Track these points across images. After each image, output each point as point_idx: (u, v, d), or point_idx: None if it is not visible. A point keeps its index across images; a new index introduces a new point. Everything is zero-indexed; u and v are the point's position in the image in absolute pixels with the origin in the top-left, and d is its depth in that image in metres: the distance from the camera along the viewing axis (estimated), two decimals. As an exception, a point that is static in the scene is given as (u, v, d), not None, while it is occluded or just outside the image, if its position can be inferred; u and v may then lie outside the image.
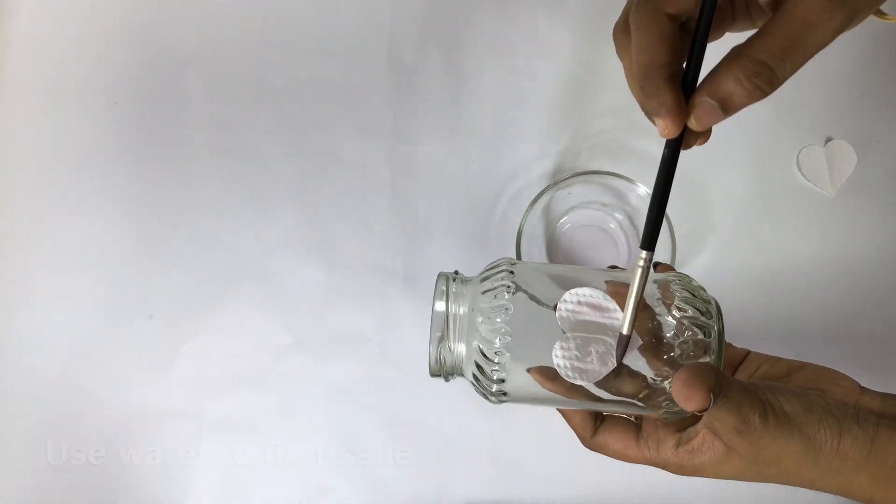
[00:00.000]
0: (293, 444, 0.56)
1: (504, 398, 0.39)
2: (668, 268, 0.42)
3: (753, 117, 0.57)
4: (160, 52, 0.60)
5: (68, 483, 0.55)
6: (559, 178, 0.54)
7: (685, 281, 0.39)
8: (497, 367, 0.37)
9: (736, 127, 0.57)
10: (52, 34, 0.60)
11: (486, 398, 0.39)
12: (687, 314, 0.37)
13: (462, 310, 0.38)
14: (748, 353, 0.42)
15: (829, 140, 0.57)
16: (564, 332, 0.37)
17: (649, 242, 0.36)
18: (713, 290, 0.40)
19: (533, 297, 0.38)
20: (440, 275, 0.40)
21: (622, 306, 0.37)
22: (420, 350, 0.56)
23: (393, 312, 0.57)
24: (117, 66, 0.60)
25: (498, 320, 0.37)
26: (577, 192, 0.56)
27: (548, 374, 0.37)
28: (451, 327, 0.38)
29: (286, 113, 0.59)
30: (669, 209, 0.52)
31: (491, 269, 0.40)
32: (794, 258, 0.57)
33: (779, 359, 0.40)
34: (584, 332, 0.37)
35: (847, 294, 0.56)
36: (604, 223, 0.58)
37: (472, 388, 0.40)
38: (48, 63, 0.60)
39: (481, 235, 0.57)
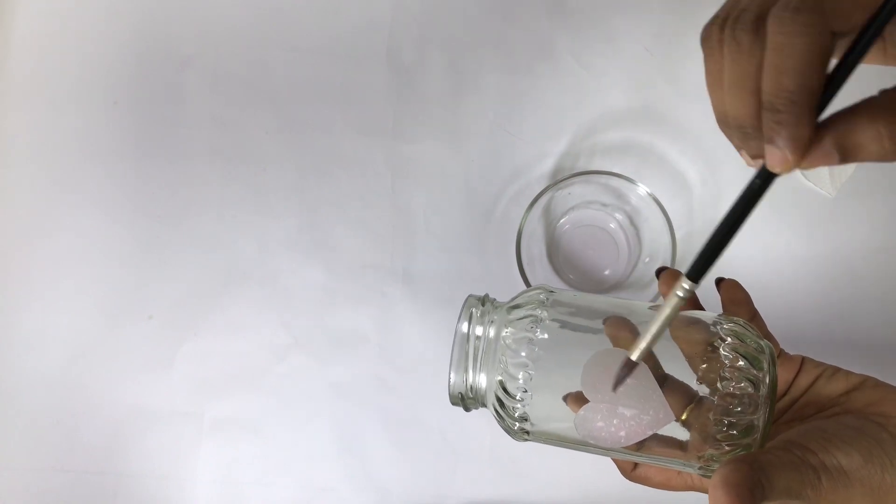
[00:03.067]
0: (293, 443, 0.56)
1: (527, 436, 0.36)
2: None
3: (753, 117, 0.57)
4: (160, 52, 0.60)
5: (68, 483, 0.55)
6: (559, 178, 0.54)
7: (732, 329, 0.34)
8: (519, 403, 0.34)
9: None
10: (52, 34, 0.60)
11: (510, 434, 0.36)
12: (734, 375, 0.32)
13: (490, 334, 0.36)
14: (803, 361, 0.38)
15: None
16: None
17: (697, 274, 0.31)
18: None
19: (566, 326, 0.35)
20: (469, 297, 0.37)
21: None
22: (420, 350, 0.56)
23: (393, 312, 0.57)
24: (117, 66, 0.60)
25: (523, 354, 0.34)
26: (577, 192, 0.56)
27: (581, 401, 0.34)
28: (474, 354, 0.36)
29: (286, 113, 0.59)
30: (669, 210, 0.52)
31: (523, 295, 0.37)
32: (794, 258, 0.57)
33: (836, 371, 0.37)
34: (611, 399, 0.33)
35: (847, 294, 0.56)
36: (604, 223, 0.58)
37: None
38: (48, 63, 0.60)
39: (481, 235, 0.57)
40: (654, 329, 0.31)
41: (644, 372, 0.33)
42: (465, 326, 0.36)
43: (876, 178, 0.57)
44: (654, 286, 0.52)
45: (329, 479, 0.55)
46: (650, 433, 0.33)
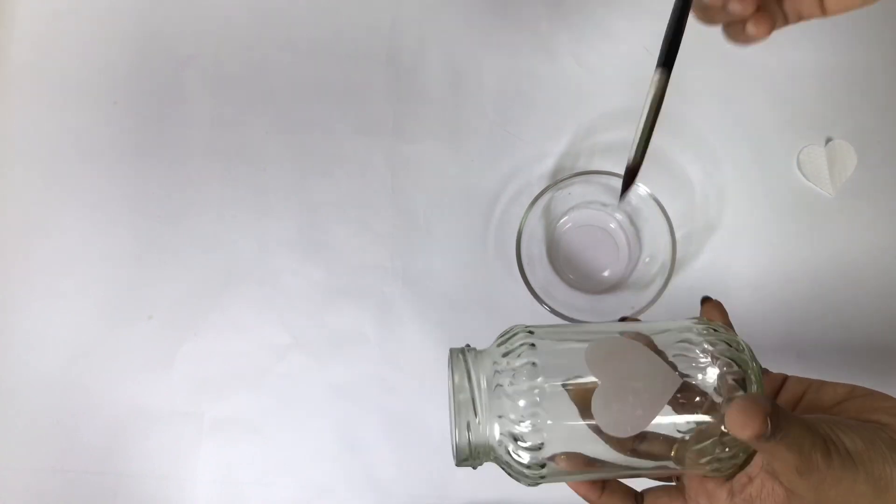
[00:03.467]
0: (293, 444, 0.56)
1: (541, 480, 0.35)
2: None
3: (753, 117, 0.58)
4: (160, 52, 0.60)
5: (68, 483, 0.55)
6: (559, 178, 0.54)
7: (707, 324, 0.36)
8: (531, 438, 0.33)
9: (736, 127, 0.57)
10: (52, 34, 0.60)
11: (522, 480, 0.35)
12: (720, 352, 0.33)
13: (483, 384, 0.34)
14: (786, 378, 0.38)
15: (829, 140, 0.57)
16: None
17: (666, 58, 0.32)
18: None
19: (559, 358, 0.34)
20: (451, 351, 0.36)
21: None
22: (420, 350, 0.56)
23: (393, 312, 0.57)
24: (117, 66, 0.60)
25: (522, 402, 0.33)
26: (577, 192, 0.56)
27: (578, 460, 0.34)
28: (471, 407, 0.34)
29: (286, 113, 0.59)
30: (669, 210, 0.52)
31: (506, 335, 0.36)
32: (794, 258, 0.57)
33: (822, 384, 0.37)
34: (617, 379, 0.33)
35: (847, 294, 0.56)
36: (604, 223, 0.57)
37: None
38: (48, 63, 0.60)
39: (481, 235, 0.57)
40: (641, 123, 0.32)
41: (640, 347, 0.33)
42: (458, 378, 0.35)
43: (876, 179, 0.57)
44: (654, 286, 0.52)
45: (329, 479, 0.55)
46: (665, 402, 0.33)
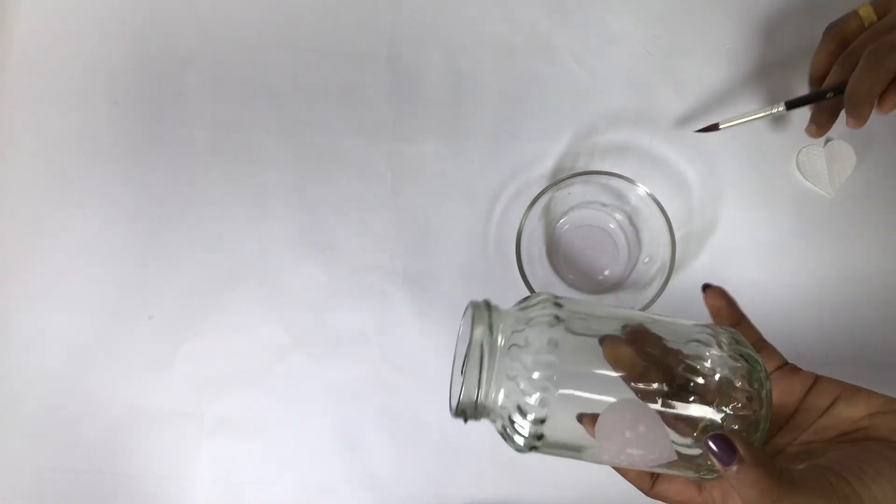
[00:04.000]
0: (293, 443, 0.56)
1: (534, 450, 0.35)
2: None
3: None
4: (160, 52, 0.60)
5: (68, 483, 0.55)
6: (559, 178, 0.54)
7: (732, 335, 0.35)
8: (530, 420, 0.33)
9: (736, 127, 0.57)
10: (52, 34, 0.60)
11: (514, 446, 0.35)
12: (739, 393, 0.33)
13: (501, 343, 0.34)
14: (817, 379, 0.36)
15: (828, 140, 0.57)
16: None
17: (795, 104, 0.51)
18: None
19: (581, 335, 0.33)
20: (474, 303, 0.35)
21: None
22: (420, 350, 0.56)
23: (393, 312, 0.57)
24: (117, 66, 0.60)
25: (538, 372, 0.32)
26: (577, 192, 0.56)
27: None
28: (485, 364, 0.33)
29: (286, 113, 0.59)
30: (669, 210, 0.52)
31: (531, 301, 0.36)
32: (793, 258, 0.57)
33: (856, 392, 0.35)
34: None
35: (846, 294, 0.56)
36: (604, 223, 0.58)
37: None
38: (48, 63, 0.60)
39: (481, 235, 0.57)
40: (746, 119, 0.52)
41: (655, 420, 0.33)
42: (478, 332, 0.34)
43: (876, 179, 0.57)
44: (654, 286, 0.52)
45: (329, 478, 0.55)
46: (650, 468, 0.34)
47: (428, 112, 0.59)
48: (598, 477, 0.54)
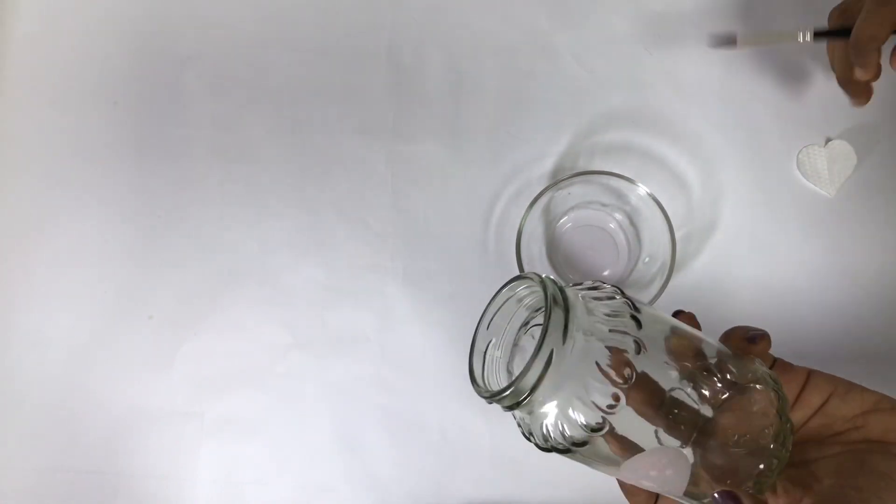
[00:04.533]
0: (293, 443, 0.56)
1: (557, 453, 0.32)
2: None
3: (753, 117, 0.58)
4: (160, 52, 0.60)
5: (68, 483, 0.55)
6: (559, 178, 0.54)
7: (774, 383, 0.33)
8: (584, 432, 0.30)
9: (736, 127, 0.57)
10: (52, 34, 0.60)
11: (535, 441, 0.33)
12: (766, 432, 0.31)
13: (578, 342, 0.29)
14: (809, 374, 0.36)
15: (829, 140, 0.57)
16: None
17: (823, 34, 0.50)
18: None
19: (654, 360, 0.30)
20: (546, 288, 0.31)
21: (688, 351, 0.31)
22: (420, 350, 0.56)
23: (393, 312, 0.57)
24: (117, 66, 0.60)
25: (613, 388, 0.29)
26: (577, 192, 0.56)
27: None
28: (550, 371, 0.29)
29: (286, 113, 0.59)
30: (669, 210, 0.52)
31: (602, 293, 0.32)
32: (793, 258, 0.57)
33: (849, 388, 0.35)
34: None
35: (846, 294, 0.56)
36: (604, 223, 0.58)
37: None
38: (48, 63, 0.60)
39: (481, 235, 0.57)
40: (769, 38, 0.53)
41: (685, 469, 0.31)
42: (553, 336, 0.29)
43: (876, 179, 0.57)
44: (654, 286, 0.52)
45: (329, 478, 0.55)
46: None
47: (428, 112, 0.59)
48: (598, 477, 0.54)
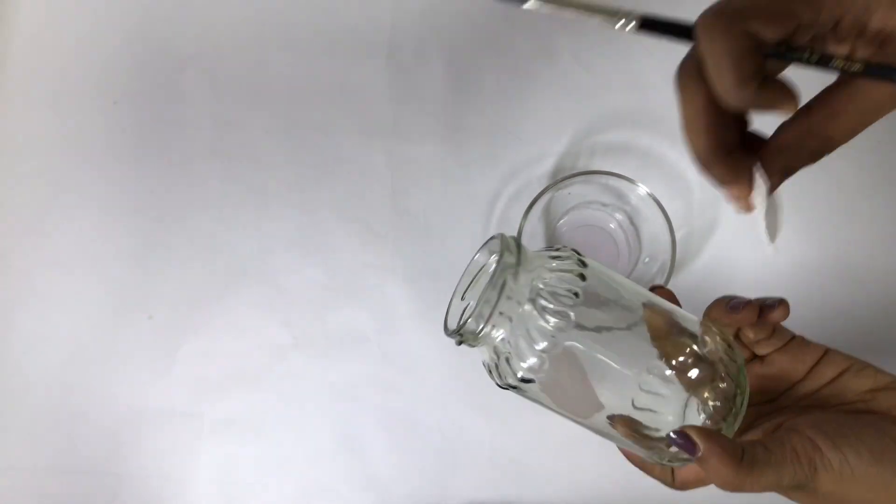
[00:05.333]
0: (293, 444, 0.56)
1: (513, 390, 0.36)
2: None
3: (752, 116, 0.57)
4: (160, 52, 0.60)
5: (68, 483, 0.55)
6: (559, 178, 0.54)
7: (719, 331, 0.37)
8: (537, 356, 0.34)
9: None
10: (52, 34, 0.60)
11: (495, 379, 0.36)
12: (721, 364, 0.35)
13: (520, 282, 0.34)
14: (827, 351, 0.37)
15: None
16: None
17: (652, 26, 0.32)
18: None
19: (599, 307, 0.35)
20: (501, 235, 0.36)
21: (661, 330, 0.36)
22: (420, 350, 0.56)
23: (393, 312, 0.57)
24: (117, 66, 0.60)
25: (552, 323, 0.33)
26: (577, 192, 0.56)
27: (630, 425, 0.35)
28: (502, 296, 0.33)
29: (286, 113, 0.59)
30: (669, 210, 0.52)
31: (555, 251, 0.36)
32: (794, 259, 0.57)
33: (865, 367, 0.36)
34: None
35: (847, 294, 0.56)
36: (604, 223, 0.58)
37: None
38: (48, 63, 0.60)
39: (481, 235, 0.57)
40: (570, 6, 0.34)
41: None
42: (504, 264, 0.33)
43: (876, 180, 0.57)
44: (654, 286, 0.52)
45: (329, 479, 0.55)
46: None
47: (428, 112, 0.59)
48: (598, 477, 0.54)
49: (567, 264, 0.35)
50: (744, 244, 0.57)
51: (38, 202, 0.59)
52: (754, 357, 0.39)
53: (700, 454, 0.31)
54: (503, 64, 0.59)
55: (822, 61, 0.27)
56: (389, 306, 0.57)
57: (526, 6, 0.33)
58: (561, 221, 0.58)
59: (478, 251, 0.38)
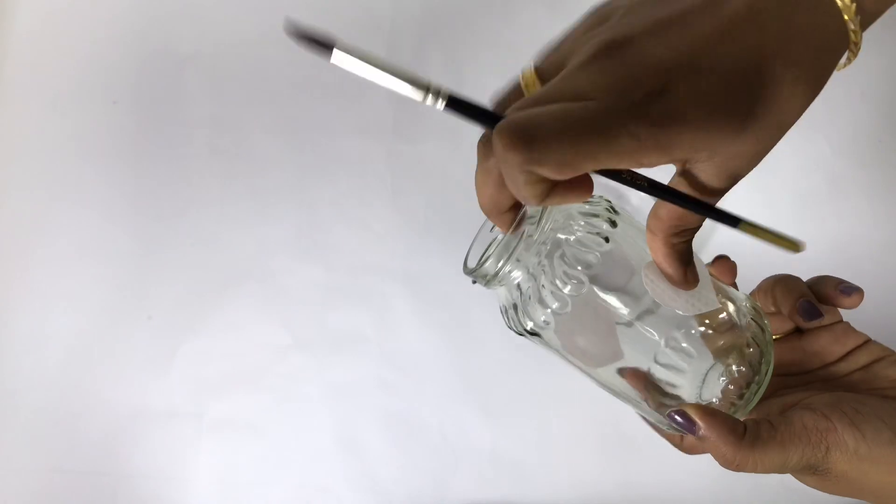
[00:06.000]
0: (293, 443, 0.56)
1: (527, 335, 0.35)
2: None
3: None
4: (160, 52, 0.60)
5: (68, 483, 0.55)
6: (559, 178, 0.54)
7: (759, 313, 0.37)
8: (546, 314, 0.33)
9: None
10: (51, 34, 0.60)
11: (514, 322, 0.35)
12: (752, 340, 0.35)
13: (547, 224, 0.33)
14: (867, 341, 0.38)
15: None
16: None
17: (457, 106, 0.32)
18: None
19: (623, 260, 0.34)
20: None
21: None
22: (420, 350, 0.56)
23: (393, 312, 0.57)
24: (117, 66, 0.60)
25: (577, 269, 0.32)
26: (577, 192, 0.56)
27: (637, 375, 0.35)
28: (525, 237, 0.32)
29: (286, 113, 0.59)
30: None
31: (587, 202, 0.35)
32: (794, 259, 0.57)
33: None
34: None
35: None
36: (604, 223, 0.58)
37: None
38: (48, 63, 0.60)
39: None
40: (370, 66, 0.30)
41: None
42: (531, 210, 0.32)
43: (876, 179, 0.57)
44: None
45: (329, 479, 0.55)
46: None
47: (428, 112, 0.59)
48: (597, 477, 0.54)
49: (594, 223, 0.34)
50: (744, 243, 0.57)
51: (38, 202, 0.59)
52: (797, 329, 0.39)
53: (700, 433, 0.31)
54: (503, 64, 0.59)
55: (612, 175, 0.29)
56: (389, 306, 0.57)
57: (332, 60, 0.30)
58: (561, 221, 0.58)
59: None
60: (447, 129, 0.58)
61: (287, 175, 0.58)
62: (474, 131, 0.62)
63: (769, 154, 0.60)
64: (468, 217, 0.57)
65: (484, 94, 0.61)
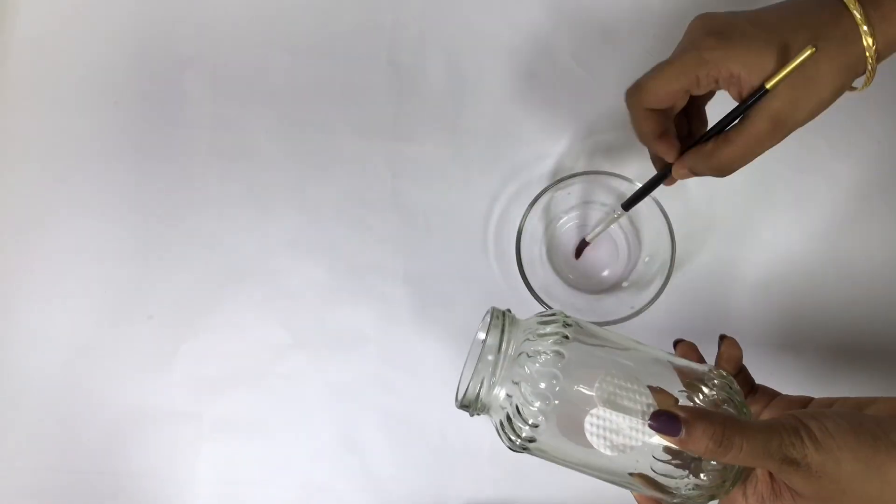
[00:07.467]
0: (293, 444, 0.56)
1: (525, 452, 0.37)
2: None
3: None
4: (160, 52, 0.60)
5: (68, 483, 0.55)
6: (559, 178, 0.54)
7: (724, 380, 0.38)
8: (527, 427, 0.36)
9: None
10: (52, 34, 0.60)
11: (508, 444, 0.38)
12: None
13: (511, 351, 0.37)
14: (810, 401, 0.39)
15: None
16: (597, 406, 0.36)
17: (627, 206, 0.50)
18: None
19: (588, 361, 0.37)
20: (493, 309, 0.39)
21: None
22: (420, 350, 0.56)
23: (393, 312, 0.57)
24: (117, 66, 0.60)
25: (543, 384, 0.35)
26: (577, 192, 0.56)
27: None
28: (497, 366, 0.36)
29: (286, 113, 0.59)
30: (669, 210, 0.52)
31: (546, 316, 0.39)
32: (793, 258, 0.57)
33: (873, 400, 0.37)
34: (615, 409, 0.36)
35: (846, 293, 0.56)
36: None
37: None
38: (48, 63, 0.60)
39: (481, 235, 0.57)
40: (598, 230, 0.51)
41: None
42: (492, 337, 0.37)
43: (876, 179, 0.57)
44: (654, 286, 0.52)
45: (329, 478, 0.55)
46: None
47: (428, 112, 0.59)
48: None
49: (552, 327, 0.37)
50: (744, 243, 0.57)
51: (39, 202, 0.59)
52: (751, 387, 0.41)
53: (684, 426, 0.32)
54: (503, 64, 0.59)
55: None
56: (389, 306, 0.57)
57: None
58: (561, 221, 0.58)
59: (479, 325, 0.39)
60: (447, 129, 0.58)
61: (287, 175, 0.58)
62: (474, 131, 0.62)
63: (769, 154, 0.60)
64: (468, 217, 0.58)
65: (484, 94, 0.61)
